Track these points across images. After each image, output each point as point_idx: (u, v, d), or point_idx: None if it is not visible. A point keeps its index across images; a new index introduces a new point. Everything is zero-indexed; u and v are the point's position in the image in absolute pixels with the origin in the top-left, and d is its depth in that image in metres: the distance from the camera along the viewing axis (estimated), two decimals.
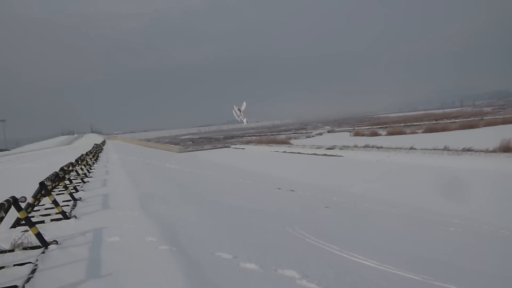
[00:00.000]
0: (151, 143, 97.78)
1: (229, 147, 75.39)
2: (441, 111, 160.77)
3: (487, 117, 76.00)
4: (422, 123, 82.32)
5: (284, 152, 52.62)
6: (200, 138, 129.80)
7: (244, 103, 38.08)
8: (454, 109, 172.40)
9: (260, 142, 73.07)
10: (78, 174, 18.76)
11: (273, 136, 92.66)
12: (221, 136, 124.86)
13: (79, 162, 21.26)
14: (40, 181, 9.82)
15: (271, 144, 65.88)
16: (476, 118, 75.84)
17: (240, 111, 36.87)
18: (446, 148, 33.66)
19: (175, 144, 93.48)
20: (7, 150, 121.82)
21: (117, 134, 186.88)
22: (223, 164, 42.48)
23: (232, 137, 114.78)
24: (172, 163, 37.28)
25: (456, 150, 32.14)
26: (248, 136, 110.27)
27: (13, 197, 7.44)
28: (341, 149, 45.27)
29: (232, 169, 36.30)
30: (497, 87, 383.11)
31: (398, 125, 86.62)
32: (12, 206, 7.39)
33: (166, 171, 28.86)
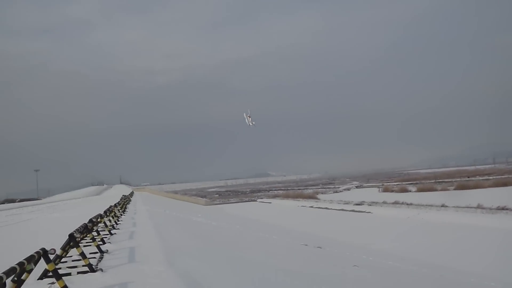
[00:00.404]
0: (178, 195, 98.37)
1: (255, 201, 75.01)
2: (473, 167, 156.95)
3: None
4: (453, 179, 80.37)
5: (311, 207, 51.95)
6: (226, 191, 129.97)
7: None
8: (487, 166, 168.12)
9: (286, 197, 72.50)
10: (106, 226, 18.92)
11: (300, 190, 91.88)
12: (247, 190, 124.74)
13: (107, 214, 21.50)
14: (69, 232, 9.96)
15: (298, 199, 65.26)
16: (510, 176, 73.55)
17: (249, 116, 44.81)
18: (479, 206, 32.55)
19: (202, 196, 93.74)
20: (39, 199, 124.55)
21: (145, 185, 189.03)
22: (249, 218, 42.16)
23: (259, 191, 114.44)
24: (199, 216, 37.24)
25: (491, 209, 31.04)
26: (275, 190, 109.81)
27: (43, 249, 7.55)
28: (370, 205, 44.39)
29: (258, 223, 35.95)
30: None
31: (428, 181, 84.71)
32: (42, 258, 7.49)
33: (193, 224, 28.81)
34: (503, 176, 74.43)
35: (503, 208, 30.31)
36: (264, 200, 73.42)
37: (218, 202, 76.80)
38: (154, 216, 30.85)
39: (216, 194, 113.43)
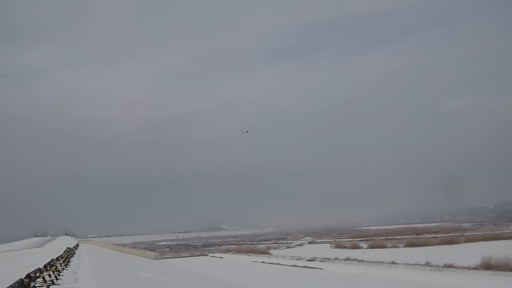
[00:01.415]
0: (126, 249, 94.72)
1: (207, 255, 73.27)
2: (421, 225, 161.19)
3: (467, 233, 76.23)
4: (403, 237, 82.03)
5: (264, 262, 51.14)
6: (177, 245, 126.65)
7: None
8: (434, 224, 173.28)
9: (239, 251, 71.27)
10: (45, 281, 17.76)
11: (252, 245, 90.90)
12: (199, 244, 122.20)
13: (48, 268, 20.25)
14: None
15: (250, 254, 64.25)
16: (456, 234, 75.92)
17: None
18: (428, 264, 33.10)
19: (152, 250, 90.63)
20: None
21: (92, 237, 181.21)
22: (200, 273, 40.92)
23: (211, 245, 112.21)
24: (147, 271, 35.78)
25: (438, 266, 31.61)
26: (227, 244, 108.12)
27: None
28: (322, 261, 44.24)
29: (208, 279, 34.91)
30: (476, 204, 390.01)
31: (379, 238, 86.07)
32: None
33: (140, 280, 27.57)
34: (449, 234, 76.75)
35: (450, 266, 30.92)
36: (216, 254, 71.85)
37: (168, 256, 74.59)
38: (99, 270, 29.36)
39: (166, 247, 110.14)
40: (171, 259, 69.78)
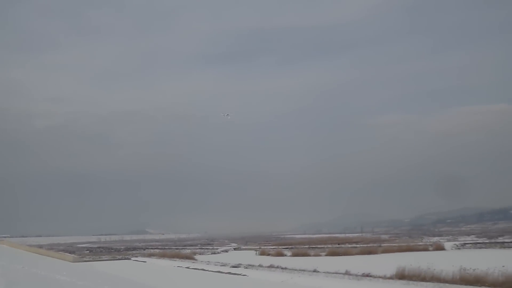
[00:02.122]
0: (42, 250, 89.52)
1: (129, 259, 71.11)
2: (343, 235, 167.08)
3: (385, 244, 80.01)
4: (325, 246, 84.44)
5: (188, 268, 50.52)
6: (99, 247, 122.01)
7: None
8: (355, 234, 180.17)
9: (163, 256, 69.95)
10: None
11: (177, 250, 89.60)
12: (122, 247, 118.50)
13: None
14: None
15: (174, 259, 63.28)
16: (375, 245, 79.46)
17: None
18: (347, 272, 34.33)
19: (71, 252, 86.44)
20: None
21: (4, 237, 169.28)
22: (121, 277, 39.53)
23: (134, 248, 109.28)
24: (63, 274, 34.00)
25: (356, 275, 32.88)
26: (152, 248, 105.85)
27: None
28: (246, 268, 44.50)
29: (129, 283, 33.82)
30: (393, 216, 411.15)
31: (303, 246, 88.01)
32: None
33: (55, 284, 26.13)
34: (368, 245, 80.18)
35: (367, 275, 32.29)
36: (139, 258, 69.94)
37: (88, 259, 71.56)
38: (10, 273, 27.49)
39: (86, 250, 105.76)
40: (91, 262, 67.01)
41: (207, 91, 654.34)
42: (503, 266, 26.71)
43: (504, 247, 67.97)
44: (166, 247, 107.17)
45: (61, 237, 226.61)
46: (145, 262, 64.12)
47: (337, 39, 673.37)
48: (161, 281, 37.19)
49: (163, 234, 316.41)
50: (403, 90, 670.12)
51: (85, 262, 66.40)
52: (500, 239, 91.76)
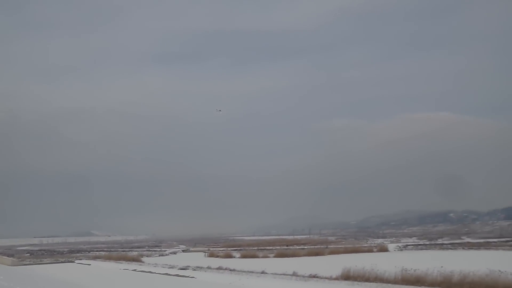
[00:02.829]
0: None
1: (73, 261, 68.73)
2: (292, 237, 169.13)
3: (331, 246, 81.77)
4: (274, 247, 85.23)
5: (134, 270, 49.46)
6: (40, 250, 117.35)
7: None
8: (303, 236, 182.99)
9: (109, 258, 68.11)
10: None
11: (124, 252, 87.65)
12: (65, 250, 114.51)
13: None
14: None
15: (120, 261, 61.81)
16: (322, 246, 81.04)
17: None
18: (294, 274, 34.80)
19: (9, 255, 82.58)
20: None
21: None
22: (64, 281, 38.17)
23: (79, 251, 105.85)
24: (0, 278, 32.39)
25: (304, 276, 33.40)
26: (97, 251, 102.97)
27: None
28: (194, 269, 44.13)
29: (73, 287, 32.70)
30: (341, 219, 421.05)
31: (251, 248, 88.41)
32: None
33: None
34: (316, 246, 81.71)
35: (314, 276, 32.88)
36: (83, 261, 67.78)
37: (28, 263, 68.61)
38: None
39: (27, 253, 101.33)
40: (32, 265, 64.40)
41: (158, 90, 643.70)
42: (442, 267, 27.98)
43: (443, 249, 71.27)
44: (112, 249, 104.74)
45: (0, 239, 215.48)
46: (90, 265, 62.28)
47: (290, 44, 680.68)
48: (106, 284, 36.23)
49: (110, 236, 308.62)
50: (352, 96, 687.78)
51: (24, 266, 63.73)
52: (440, 241, 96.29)
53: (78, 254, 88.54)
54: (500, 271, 25.78)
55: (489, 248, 66.09)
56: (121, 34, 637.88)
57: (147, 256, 75.25)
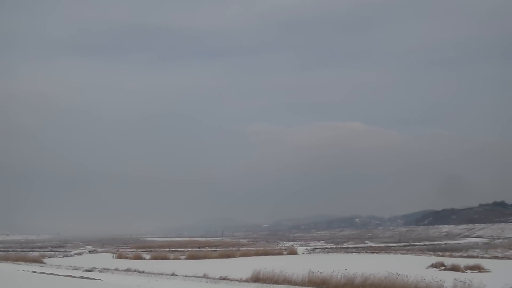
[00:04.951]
0: None
1: None
2: (204, 239, 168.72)
3: (243, 248, 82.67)
4: (186, 249, 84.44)
5: (35, 272, 46.38)
6: None
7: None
8: (216, 238, 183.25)
9: (5, 259, 63.24)
10: None
11: (24, 252, 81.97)
12: None
13: None
14: None
15: (19, 262, 57.63)
16: (234, 248, 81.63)
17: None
18: (205, 276, 34.75)
19: None
20: None
21: None
22: None
23: None
24: None
25: (214, 278, 33.44)
26: None
27: None
28: (101, 271, 42.39)
29: None
30: (253, 221, 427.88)
31: (163, 249, 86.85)
32: None
33: None
34: (228, 249, 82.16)
35: (224, 278, 33.04)
36: None
37: None
38: None
39: None
40: None
41: (72, 82, 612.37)
42: (346, 269, 29.44)
43: (348, 252, 75.03)
44: (10, 250, 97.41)
45: None
46: None
47: (212, 44, 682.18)
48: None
49: (8, 235, 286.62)
50: (271, 101, 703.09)
51: None
52: (345, 245, 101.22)
53: None
54: (397, 273, 27.69)
55: (389, 252, 70.63)
56: (34, 19, 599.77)
57: (50, 257, 70.84)
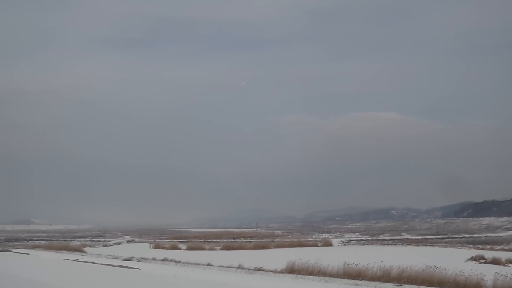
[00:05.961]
0: None
1: (10, 250, 65.75)
2: (238, 230, 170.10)
3: (277, 239, 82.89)
4: (221, 240, 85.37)
5: (76, 260, 47.98)
6: None
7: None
8: (250, 229, 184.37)
9: (49, 248, 65.69)
10: None
11: (66, 242, 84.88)
12: (1, 238, 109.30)
13: None
14: None
15: (61, 251, 59.76)
16: (268, 240, 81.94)
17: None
18: (240, 266, 35.00)
19: None
20: None
21: None
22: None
23: (17, 239, 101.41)
24: None
25: (249, 269, 33.65)
26: (37, 240, 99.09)
27: None
28: (139, 261, 43.41)
29: (8, 277, 31.34)
30: (287, 213, 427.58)
31: (198, 240, 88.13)
32: None
33: None
34: (262, 240, 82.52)
35: (259, 269, 33.20)
36: (21, 250, 64.96)
37: None
38: None
39: None
40: None
41: (107, 76, 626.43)
42: (382, 261, 29.02)
43: (384, 244, 73.95)
44: (53, 239, 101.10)
45: None
46: (28, 254, 59.76)
47: (245, 35, 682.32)
48: (45, 274, 34.93)
49: (51, 224, 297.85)
50: (305, 92, 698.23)
51: None
52: (381, 237, 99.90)
53: (15, 243, 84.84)
54: (435, 266, 27.05)
55: (426, 245, 69.22)
56: (71, 16, 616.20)
57: (90, 247, 73.21)
